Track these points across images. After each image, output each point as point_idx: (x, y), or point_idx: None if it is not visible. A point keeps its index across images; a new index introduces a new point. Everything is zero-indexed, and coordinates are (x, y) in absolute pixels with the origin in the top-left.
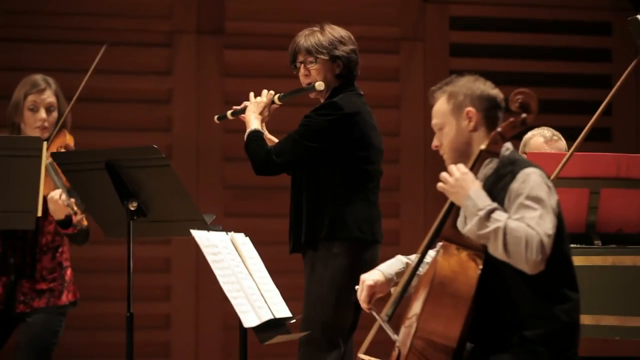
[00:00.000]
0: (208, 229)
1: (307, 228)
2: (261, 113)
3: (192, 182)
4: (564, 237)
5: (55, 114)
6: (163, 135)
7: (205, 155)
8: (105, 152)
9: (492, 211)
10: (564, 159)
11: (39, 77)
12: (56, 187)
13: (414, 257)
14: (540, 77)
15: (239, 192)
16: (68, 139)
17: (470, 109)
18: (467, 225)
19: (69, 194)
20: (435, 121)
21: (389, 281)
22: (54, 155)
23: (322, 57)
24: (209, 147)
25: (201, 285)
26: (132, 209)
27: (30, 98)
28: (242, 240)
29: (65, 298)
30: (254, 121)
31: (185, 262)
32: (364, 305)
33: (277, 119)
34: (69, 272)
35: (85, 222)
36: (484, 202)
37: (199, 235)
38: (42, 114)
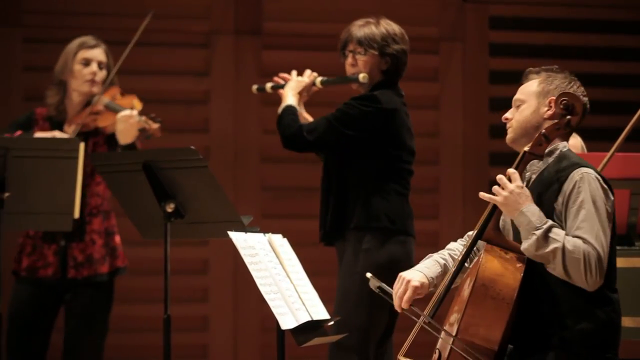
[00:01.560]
0: (246, 231)
1: (336, 216)
2: (300, 92)
3: (230, 183)
4: (613, 240)
5: (104, 72)
6: (200, 136)
7: (242, 156)
8: (142, 153)
9: (549, 230)
10: (605, 160)
11: (88, 37)
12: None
13: (447, 256)
14: (580, 77)
15: (276, 193)
16: (115, 93)
17: (555, 99)
18: (523, 244)
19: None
20: (518, 96)
21: (430, 284)
22: (91, 157)
23: (372, 50)
24: (247, 148)
25: (239, 287)
26: (169, 210)
27: (82, 54)
28: (280, 241)
29: (117, 262)
30: (290, 97)
31: (223, 264)
32: (405, 305)
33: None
34: (117, 238)
35: (159, 133)
36: (539, 220)
37: (236, 237)
38: (94, 67)
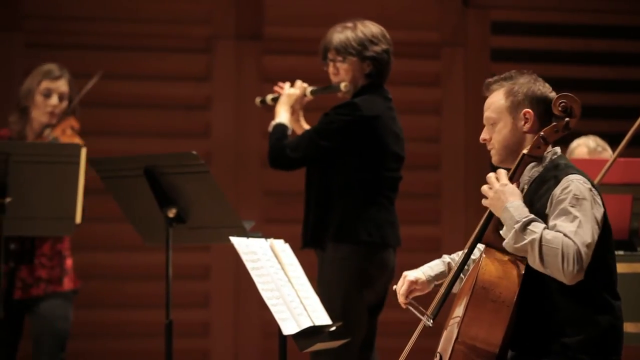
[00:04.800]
0: (247, 236)
1: (315, 226)
2: (292, 105)
3: (231, 188)
4: (609, 247)
5: (65, 103)
6: (202, 141)
7: (244, 161)
8: (144, 158)
9: (528, 223)
10: (607, 165)
11: (54, 66)
12: None
13: (455, 257)
14: (581, 82)
15: (278, 198)
16: (73, 122)
17: (528, 110)
18: (505, 239)
19: None
20: (488, 114)
21: (429, 282)
22: (92, 162)
23: (351, 57)
24: (248, 153)
25: (240, 292)
26: (171, 215)
27: (45, 84)
28: (282, 246)
29: (67, 285)
30: (282, 114)
31: (225, 269)
32: (401, 299)
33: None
34: (68, 261)
35: None
36: (521, 214)
37: (238, 242)
38: (54, 100)
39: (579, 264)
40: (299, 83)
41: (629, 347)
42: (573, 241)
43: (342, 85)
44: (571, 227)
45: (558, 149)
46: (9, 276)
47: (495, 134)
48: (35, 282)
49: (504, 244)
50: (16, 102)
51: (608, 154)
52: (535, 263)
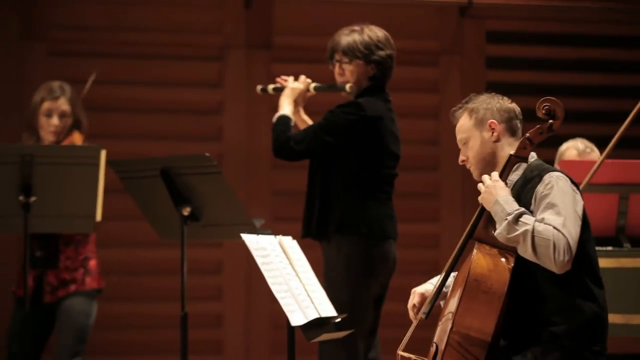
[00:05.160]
0: (257, 233)
1: (318, 220)
2: (295, 99)
3: (242, 188)
4: (589, 238)
5: (69, 120)
6: (214, 144)
7: (254, 163)
8: (160, 159)
9: (520, 215)
10: (595, 167)
11: (55, 85)
12: None
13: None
14: (572, 88)
15: (286, 197)
16: (77, 138)
17: (492, 120)
18: (497, 230)
19: None
20: (460, 137)
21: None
22: (111, 163)
23: (357, 60)
24: (258, 155)
25: (251, 286)
26: (185, 214)
27: (46, 105)
28: (290, 243)
29: (89, 285)
30: (286, 106)
31: (236, 264)
32: (411, 313)
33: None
34: (92, 262)
35: None
36: (512, 207)
37: (248, 238)
38: (55, 120)
39: (569, 254)
40: (302, 78)
41: (616, 338)
42: (562, 233)
43: (347, 86)
44: (559, 220)
45: (534, 154)
46: (37, 281)
47: (469, 151)
48: (61, 284)
49: (495, 234)
50: (25, 119)
51: (596, 154)
52: (527, 253)
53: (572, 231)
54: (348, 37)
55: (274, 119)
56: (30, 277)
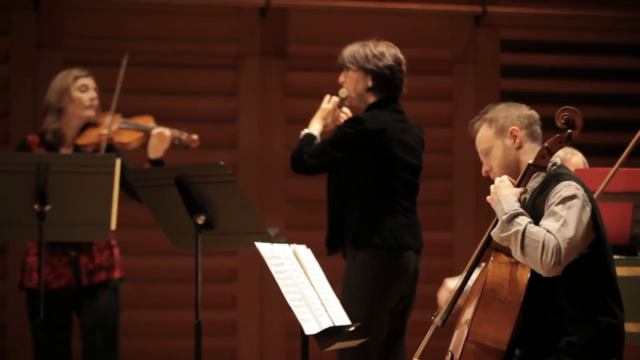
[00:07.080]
0: (272, 241)
1: (334, 233)
2: (325, 119)
3: (257, 196)
4: (606, 249)
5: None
6: (229, 152)
7: (269, 172)
8: (175, 168)
9: (515, 215)
10: (609, 175)
11: (78, 68)
12: (142, 136)
13: None
14: (585, 96)
15: (300, 206)
16: (115, 117)
17: (513, 127)
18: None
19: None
20: (481, 148)
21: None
22: (128, 172)
23: (353, 68)
24: (273, 163)
25: (265, 294)
26: (200, 222)
27: (80, 81)
28: (304, 251)
29: (117, 273)
30: (315, 125)
31: (251, 273)
32: (441, 303)
33: None
34: (116, 250)
35: (194, 138)
36: (511, 206)
37: (263, 247)
38: (93, 93)
39: (557, 257)
40: (327, 97)
41: (630, 346)
42: (554, 236)
43: (340, 91)
44: (555, 225)
45: (558, 159)
46: (74, 265)
47: (492, 161)
48: (96, 268)
49: (491, 233)
50: (44, 108)
51: (578, 158)
52: (516, 253)
53: (567, 235)
54: (352, 47)
55: (301, 135)
56: (62, 263)
